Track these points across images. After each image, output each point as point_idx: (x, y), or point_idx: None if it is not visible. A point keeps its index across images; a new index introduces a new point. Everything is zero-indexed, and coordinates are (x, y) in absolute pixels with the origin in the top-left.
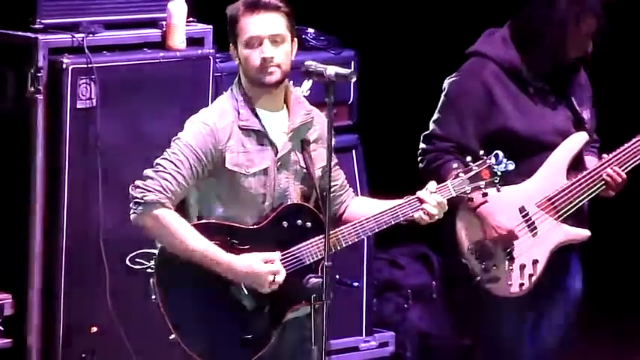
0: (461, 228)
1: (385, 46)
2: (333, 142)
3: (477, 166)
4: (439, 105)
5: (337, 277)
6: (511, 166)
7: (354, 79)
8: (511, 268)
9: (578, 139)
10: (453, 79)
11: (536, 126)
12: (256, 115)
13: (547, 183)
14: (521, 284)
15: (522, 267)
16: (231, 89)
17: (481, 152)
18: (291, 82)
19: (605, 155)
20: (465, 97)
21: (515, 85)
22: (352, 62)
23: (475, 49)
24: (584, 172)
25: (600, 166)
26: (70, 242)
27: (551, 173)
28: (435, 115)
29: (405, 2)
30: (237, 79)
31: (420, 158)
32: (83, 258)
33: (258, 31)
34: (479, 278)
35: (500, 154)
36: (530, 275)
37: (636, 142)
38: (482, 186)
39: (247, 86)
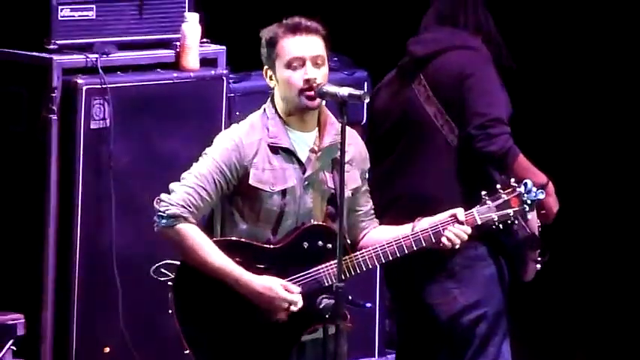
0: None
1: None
2: (345, 162)
3: (505, 194)
4: (481, 90)
5: (349, 297)
6: (541, 195)
7: (367, 100)
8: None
9: None
10: (478, 67)
11: None
12: (286, 134)
13: None
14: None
15: None
16: (264, 108)
17: (512, 180)
18: (324, 102)
19: None
20: (498, 83)
21: None
22: (365, 83)
23: (462, 44)
24: None
25: None
26: (83, 263)
27: None
28: (484, 101)
29: (417, 23)
30: (270, 97)
31: (486, 145)
32: (96, 278)
33: (301, 52)
34: (545, 258)
35: (529, 182)
36: None
37: None
38: (510, 214)
39: (282, 106)
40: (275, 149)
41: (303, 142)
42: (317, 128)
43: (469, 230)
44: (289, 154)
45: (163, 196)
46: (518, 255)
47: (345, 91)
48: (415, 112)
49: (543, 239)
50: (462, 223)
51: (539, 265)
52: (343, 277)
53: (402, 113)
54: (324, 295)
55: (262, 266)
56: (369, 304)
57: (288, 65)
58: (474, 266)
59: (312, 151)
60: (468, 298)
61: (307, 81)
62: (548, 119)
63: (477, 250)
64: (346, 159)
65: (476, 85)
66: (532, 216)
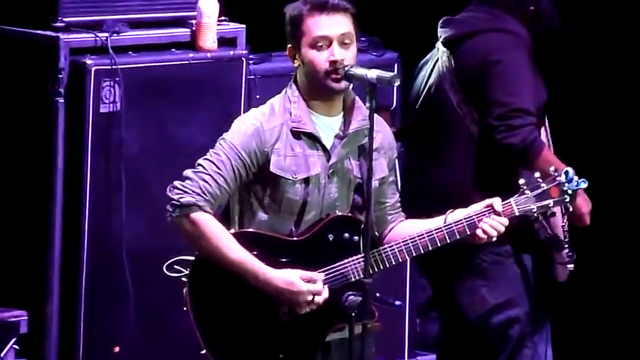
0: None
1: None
2: (374, 149)
3: (545, 183)
4: (506, 78)
5: (378, 295)
6: (583, 184)
7: (397, 83)
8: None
9: None
10: (506, 53)
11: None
12: (310, 118)
13: None
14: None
15: None
16: (286, 90)
17: (551, 168)
18: (351, 85)
19: None
20: (528, 70)
21: None
22: (395, 65)
23: (496, 26)
24: None
25: None
26: (91, 256)
27: None
28: (508, 90)
29: (449, 3)
30: (293, 79)
31: (507, 136)
32: (105, 273)
33: (327, 31)
34: (573, 258)
35: (571, 171)
36: None
37: None
38: (550, 205)
39: (305, 88)
40: (298, 134)
41: (327, 127)
42: (342, 112)
43: (506, 222)
44: (313, 139)
45: (177, 183)
46: (545, 256)
47: (373, 73)
48: (441, 99)
49: (572, 240)
50: (498, 214)
51: (570, 266)
52: (371, 272)
53: (430, 98)
54: (350, 292)
55: (284, 260)
56: (398, 302)
57: (314, 45)
58: (504, 262)
59: (337, 136)
60: (497, 297)
61: (333, 62)
62: (582, 113)
63: (505, 247)
64: (374, 146)
65: (501, 72)
66: (556, 215)
